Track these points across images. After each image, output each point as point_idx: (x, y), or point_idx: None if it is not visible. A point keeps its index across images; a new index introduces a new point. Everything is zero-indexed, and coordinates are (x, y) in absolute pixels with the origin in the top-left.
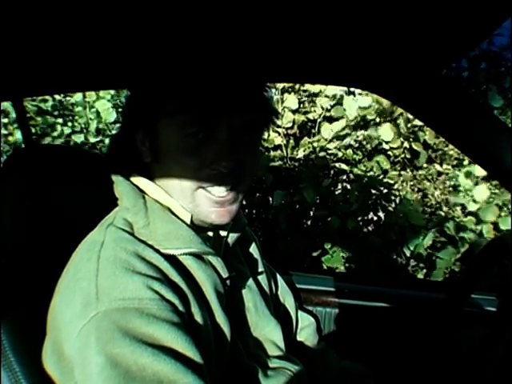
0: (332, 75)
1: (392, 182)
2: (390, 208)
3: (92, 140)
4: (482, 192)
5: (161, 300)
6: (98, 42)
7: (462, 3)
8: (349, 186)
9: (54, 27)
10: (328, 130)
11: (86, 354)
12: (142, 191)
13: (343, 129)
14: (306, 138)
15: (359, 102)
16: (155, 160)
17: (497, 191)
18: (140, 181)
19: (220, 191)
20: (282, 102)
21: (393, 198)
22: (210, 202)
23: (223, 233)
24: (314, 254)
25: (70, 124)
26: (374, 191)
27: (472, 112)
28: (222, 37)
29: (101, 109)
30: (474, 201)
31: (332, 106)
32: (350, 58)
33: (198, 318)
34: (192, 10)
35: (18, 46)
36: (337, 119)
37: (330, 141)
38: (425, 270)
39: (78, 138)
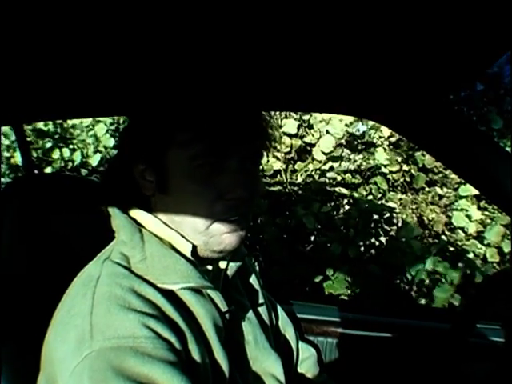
0: (330, 104)
1: (392, 205)
2: (392, 233)
3: (92, 163)
4: (475, 211)
5: (156, 338)
6: (98, 66)
7: (469, 33)
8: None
9: (54, 52)
10: (320, 152)
11: None
12: (139, 224)
13: (335, 149)
14: (299, 162)
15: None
16: (162, 193)
17: (499, 214)
18: (138, 214)
19: (234, 219)
20: (281, 127)
21: (395, 221)
22: (225, 229)
23: (222, 265)
24: (316, 281)
25: (70, 147)
26: (375, 216)
27: (472, 138)
28: (231, 66)
29: (99, 133)
30: (469, 217)
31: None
32: (358, 90)
33: (196, 354)
34: (198, 37)
35: (19, 72)
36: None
37: (325, 162)
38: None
39: (77, 157)
